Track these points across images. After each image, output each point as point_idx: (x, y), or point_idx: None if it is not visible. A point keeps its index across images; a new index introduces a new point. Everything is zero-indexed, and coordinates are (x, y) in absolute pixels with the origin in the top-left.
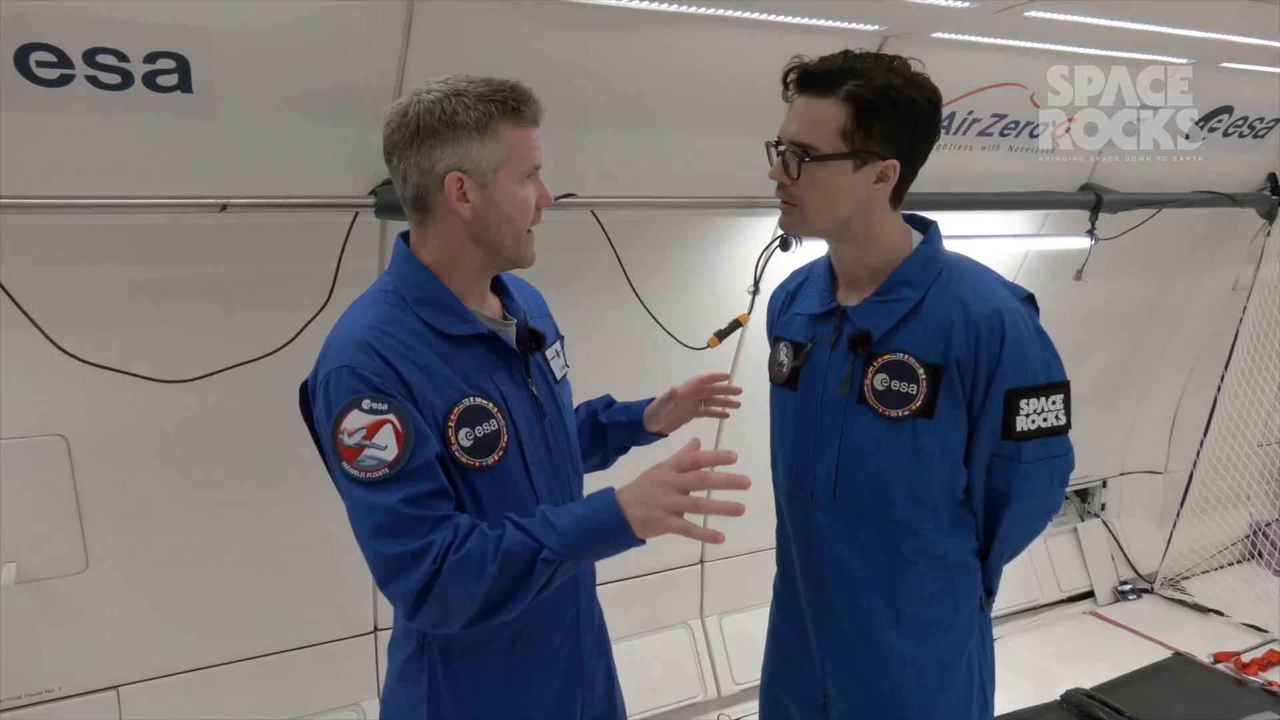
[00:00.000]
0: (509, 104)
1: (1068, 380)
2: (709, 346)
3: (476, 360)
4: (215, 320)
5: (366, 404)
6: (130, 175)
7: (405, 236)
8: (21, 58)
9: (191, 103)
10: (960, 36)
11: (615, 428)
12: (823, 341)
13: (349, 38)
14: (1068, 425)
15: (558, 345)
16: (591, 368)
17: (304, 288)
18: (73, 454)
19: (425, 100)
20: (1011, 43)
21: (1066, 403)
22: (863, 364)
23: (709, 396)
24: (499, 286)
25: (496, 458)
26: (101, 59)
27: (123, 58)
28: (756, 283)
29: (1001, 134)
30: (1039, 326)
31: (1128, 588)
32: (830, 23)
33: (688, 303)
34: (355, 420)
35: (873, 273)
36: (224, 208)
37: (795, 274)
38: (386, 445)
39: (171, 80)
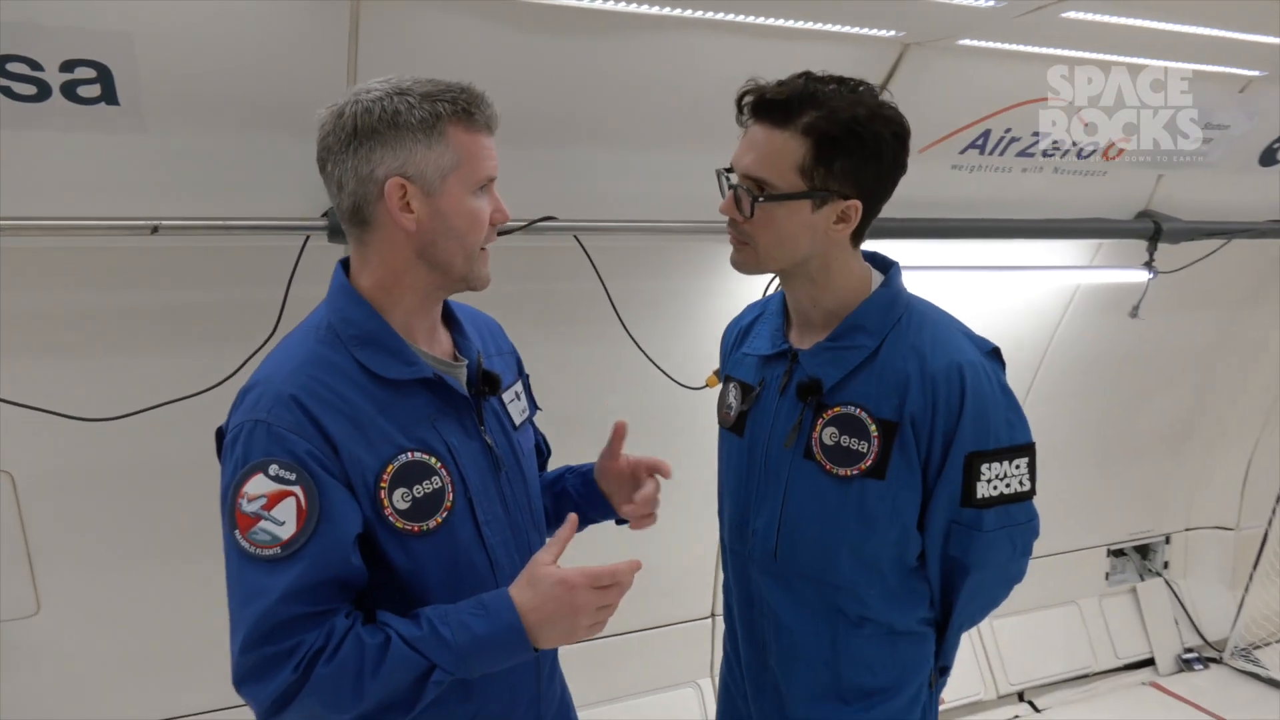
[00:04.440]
0: (459, 105)
1: (1033, 442)
2: (708, 386)
3: (419, 408)
4: (156, 352)
5: (274, 469)
6: (54, 195)
7: (346, 264)
8: None
9: (119, 116)
10: (990, 44)
11: (569, 497)
12: (771, 386)
13: (290, 44)
14: (1032, 491)
15: (518, 386)
16: (576, 410)
17: (252, 317)
18: (19, 492)
19: (364, 100)
20: (1053, 51)
21: (1031, 466)
22: (811, 415)
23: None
24: (451, 321)
25: (440, 520)
26: (12, 67)
27: (36, 66)
28: None
29: (1045, 154)
30: (1004, 383)
31: (1193, 656)
32: (840, 28)
33: (685, 337)
34: (258, 485)
35: (828, 315)
36: (155, 230)
37: (751, 307)
38: (285, 521)
39: (94, 91)
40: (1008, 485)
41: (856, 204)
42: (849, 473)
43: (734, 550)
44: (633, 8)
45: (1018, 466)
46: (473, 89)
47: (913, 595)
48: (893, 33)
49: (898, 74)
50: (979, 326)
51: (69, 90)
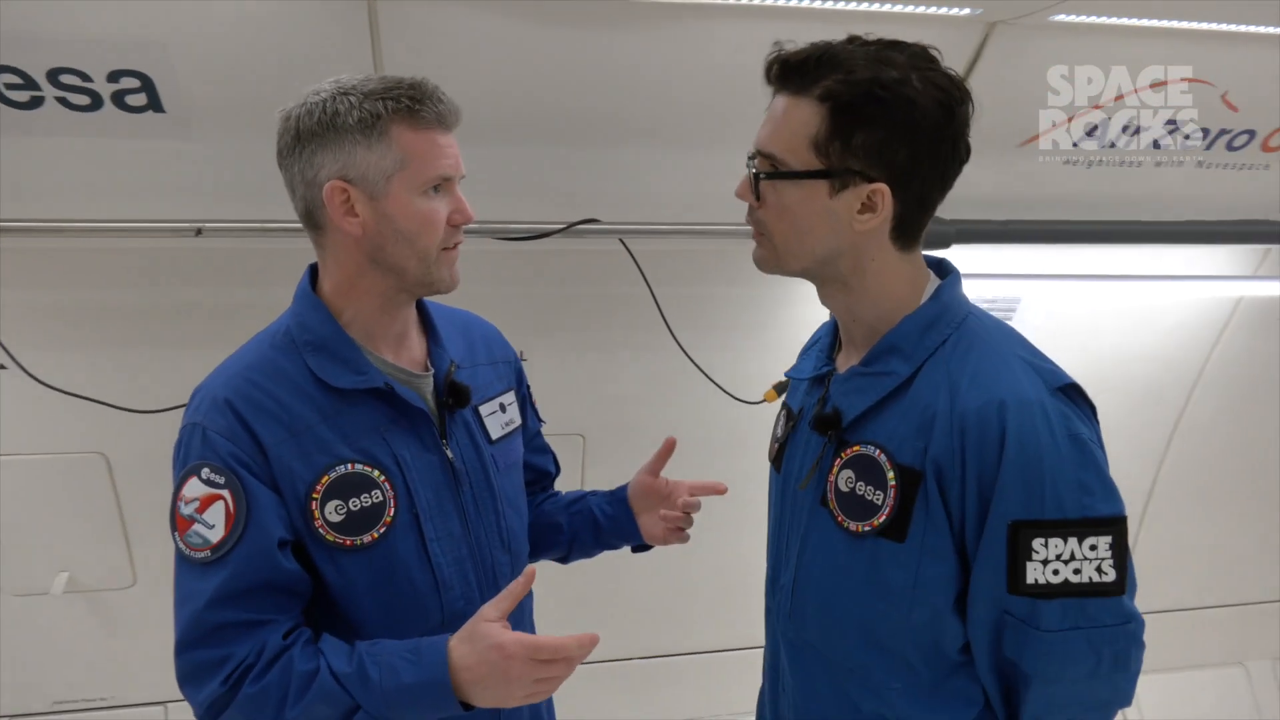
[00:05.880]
0: (402, 102)
1: (1121, 515)
2: (766, 401)
3: (370, 418)
4: (212, 347)
5: (206, 473)
6: (110, 198)
7: (315, 269)
8: None
9: (166, 123)
10: (1091, 19)
11: (591, 518)
12: (807, 415)
13: (312, 46)
14: (1119, 584)
15: (506, 397)
16: (618, 422)
17: None
18: (114, 472)
19: (309, 101)
20: (1180, 24)
21: (1117, 549)
22: (832, 453)
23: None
24: (430, 329)
25: (376, 535)
26: (65, 79)
27: (85, 78)
28: None
29: (1180, 145)
30: (1077, 432)
31: None
32: (903, 8)
33: (741, 348)
34: (193, 489)
35: (869, 331)
36: (199, 232)
37: (824, 325)
38: (214, 524)
39: (140, 100)
40: (1076, 571)
41: (882, 189)
42: (860, 529)
43: (768, 607)
44: None
45: (1093, 547)
46: (423, 84)
47: (954, 699)
48: (968, 10)
49: (983, 60)
50: (1107, 345)
51: (118, 100)
